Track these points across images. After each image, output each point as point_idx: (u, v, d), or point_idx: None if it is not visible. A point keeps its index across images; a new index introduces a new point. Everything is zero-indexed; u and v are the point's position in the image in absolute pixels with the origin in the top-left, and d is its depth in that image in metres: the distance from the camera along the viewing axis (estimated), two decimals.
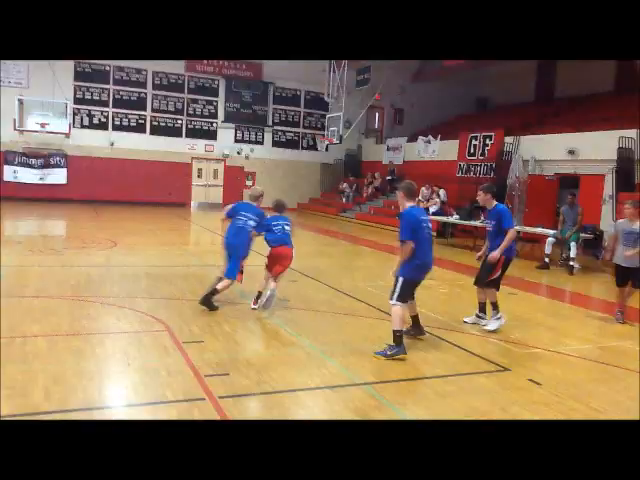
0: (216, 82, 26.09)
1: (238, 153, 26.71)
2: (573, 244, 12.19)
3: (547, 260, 12.52)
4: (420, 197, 20.57)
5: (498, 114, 24.47)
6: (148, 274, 9.36)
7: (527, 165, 18.07)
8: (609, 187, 15.46)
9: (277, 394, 4.60)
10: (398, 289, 5.71)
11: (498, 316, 7.02)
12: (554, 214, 15.32)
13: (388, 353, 5.56)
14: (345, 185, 26.08)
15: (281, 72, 25.75)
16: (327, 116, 24.89)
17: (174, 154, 25.38)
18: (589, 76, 21.55)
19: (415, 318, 6.37)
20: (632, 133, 15.06)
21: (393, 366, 5.42)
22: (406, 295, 5.85)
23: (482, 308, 7.23)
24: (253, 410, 4.39)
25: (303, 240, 17.23)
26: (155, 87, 25.10)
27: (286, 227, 7.36)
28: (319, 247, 15.84)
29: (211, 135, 26.29)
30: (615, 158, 15.18)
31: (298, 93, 27.44)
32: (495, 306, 7.06)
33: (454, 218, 16.65)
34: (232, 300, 7.85)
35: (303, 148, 27.86)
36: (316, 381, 4.91)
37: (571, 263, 12.10)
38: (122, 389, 4.57)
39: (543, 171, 17.99)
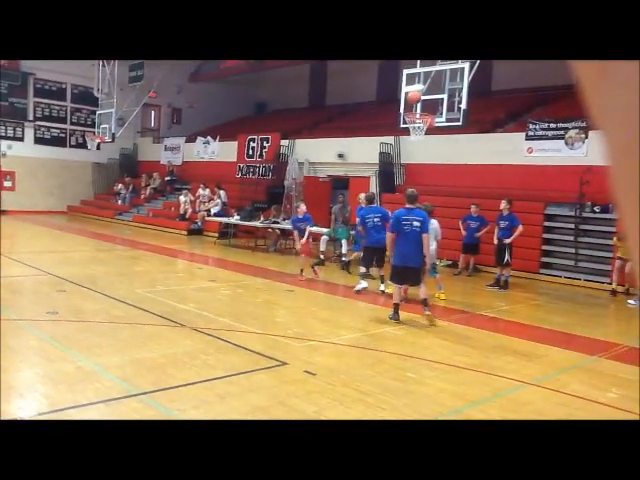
0: None
1: None
2: (344, 241, 13.13)
3: (322, 257, 13.29)
4: (200, 198, 20.45)
5: (276, 118, 25.38)
6: None
7: (302, 167, 19.05)
8: (374, 188, 16.99)
9: (43, 415, 4.18)
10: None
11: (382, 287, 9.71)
12: (328, 213, 16.36)
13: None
14: (120, 186, 24.70)
15: (42, 63, 23.31)
16: (97, 112, 23.36)
17: None
18: (355, 86, 23.55)
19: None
20: (390, 139, 16.76)
21: (173, 373, 5.28)
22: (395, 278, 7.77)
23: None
24: None
25: (74, 246, 15.97)
26: None
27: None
28: (93, 253, 14.82)
29: None
30: (377, 162, 16.76)
31: (64, 86, 25.23)
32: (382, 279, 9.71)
33: (235, 219, 16.82)
34: None
35: (72, 146, 25.71)
36: (88, 397, 4.56)
37: (343, 259, 13.02)
38: None
39: (317, 173, 19.11)
